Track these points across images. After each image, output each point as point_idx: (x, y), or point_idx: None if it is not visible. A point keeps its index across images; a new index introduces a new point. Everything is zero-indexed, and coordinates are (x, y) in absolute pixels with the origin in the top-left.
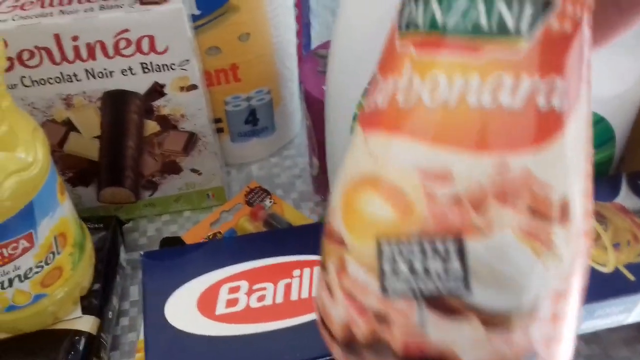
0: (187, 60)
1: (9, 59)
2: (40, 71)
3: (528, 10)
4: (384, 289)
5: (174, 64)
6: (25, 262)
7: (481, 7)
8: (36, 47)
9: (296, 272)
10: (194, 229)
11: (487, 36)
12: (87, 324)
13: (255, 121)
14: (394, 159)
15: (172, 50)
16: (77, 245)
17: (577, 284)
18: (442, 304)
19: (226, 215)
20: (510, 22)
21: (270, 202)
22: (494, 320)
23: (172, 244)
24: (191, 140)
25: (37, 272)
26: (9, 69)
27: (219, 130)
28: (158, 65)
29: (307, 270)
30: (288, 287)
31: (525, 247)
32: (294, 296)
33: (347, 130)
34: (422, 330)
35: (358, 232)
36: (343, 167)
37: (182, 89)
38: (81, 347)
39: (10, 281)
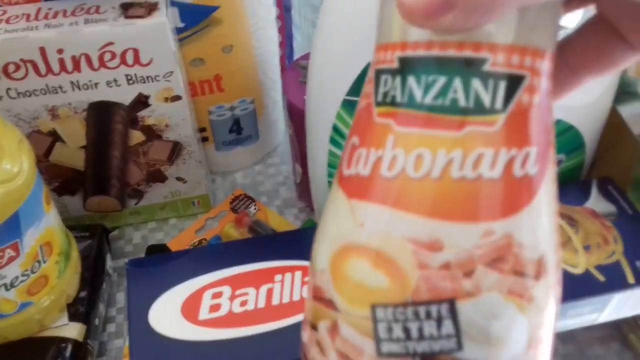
0: (171, 72)
1: None
2: (26, 83)
3: (502, 88)
4: (379, 352)
5: (158, 76)
6: (11, 271)
7: (458, 87)
8: (22, 59)
9: (278, 277)
10: (180, 236)
11: (465, 114)
12: (73, 331)
13: (239, 130)
14: (384, 230)
15: (156, 62)
16: (63, 253)
17: (551, 329)
18: None
19: (211, 222)
20: (486, 100)
21: (255, 209)
22: None
23: (158, 252)
24: (176, 149)
25: (23, 281)
26: None
27: (204, 139)
28: (142, 77)
29: (288, 275)
30: (270, 292)
31: (510, 304)
32: (275, 301)
33: (327, 141)
34: None
35: (352, 299)
36: (326, 227)
37: (166, 99)
38: (68, 354)
39: None
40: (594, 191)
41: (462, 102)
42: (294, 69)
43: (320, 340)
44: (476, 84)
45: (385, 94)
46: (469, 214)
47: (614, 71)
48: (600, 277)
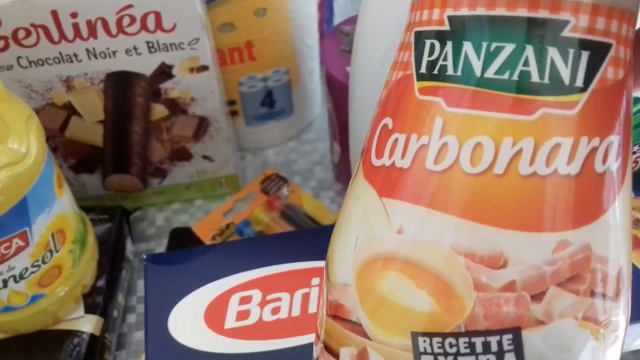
0: (198, 39)
1: (3, 37)
2: (38, 51)
3: (584, 60)
4: None
5: (182, 43)
6: (20, 261)
7: (530, 57)
8: (32, 24)
9: (315, 281)
10: (206, 220)
11: (538, 93)
12: (89, 323)
13: (272, 103)
14: (429, 239)
15: (180, 28)
16: (78, 241)
17: (620, 353)
18: None
19: (240, 205)
20: (565, 75)
21: (288, 190)
22: None
23: (182, 236)
24: (202, 125)
25: (33, 272)
26: (4, 48)
27: (233, 113)
28: (165, 44)
29: None
30: (306, 297)
31: (585, 332)
32: (312, 308)
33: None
34: None
35: (386, 325)
36: (349, 229)
37: (192, 70)
38: (83, 349)
39: (5, 282)
40: None
41: (534, 77)
42: (335, 36)
43: None
44: (553, 53)
45: (431, 65)
46: (540, 222)
47: None
48: None
